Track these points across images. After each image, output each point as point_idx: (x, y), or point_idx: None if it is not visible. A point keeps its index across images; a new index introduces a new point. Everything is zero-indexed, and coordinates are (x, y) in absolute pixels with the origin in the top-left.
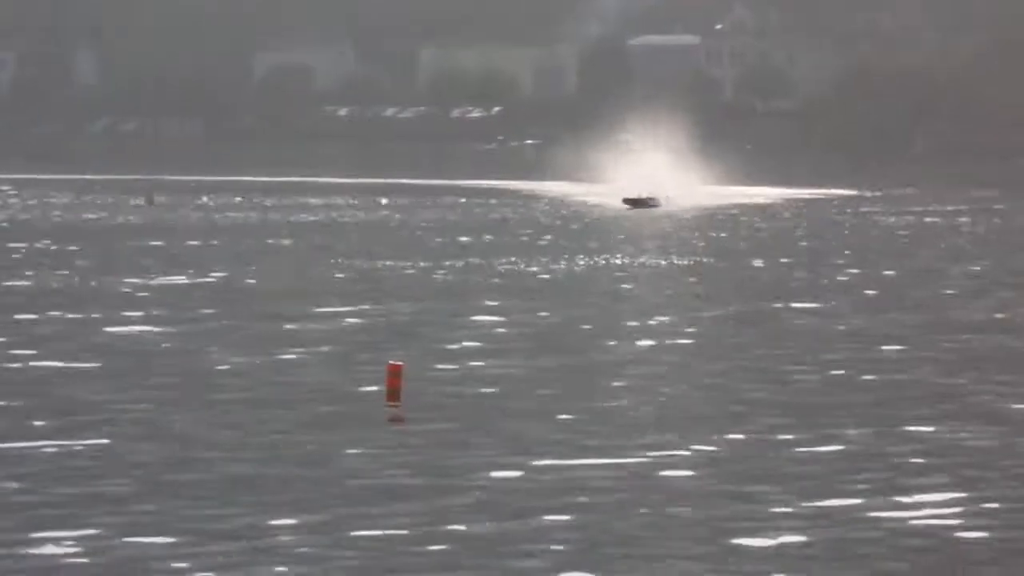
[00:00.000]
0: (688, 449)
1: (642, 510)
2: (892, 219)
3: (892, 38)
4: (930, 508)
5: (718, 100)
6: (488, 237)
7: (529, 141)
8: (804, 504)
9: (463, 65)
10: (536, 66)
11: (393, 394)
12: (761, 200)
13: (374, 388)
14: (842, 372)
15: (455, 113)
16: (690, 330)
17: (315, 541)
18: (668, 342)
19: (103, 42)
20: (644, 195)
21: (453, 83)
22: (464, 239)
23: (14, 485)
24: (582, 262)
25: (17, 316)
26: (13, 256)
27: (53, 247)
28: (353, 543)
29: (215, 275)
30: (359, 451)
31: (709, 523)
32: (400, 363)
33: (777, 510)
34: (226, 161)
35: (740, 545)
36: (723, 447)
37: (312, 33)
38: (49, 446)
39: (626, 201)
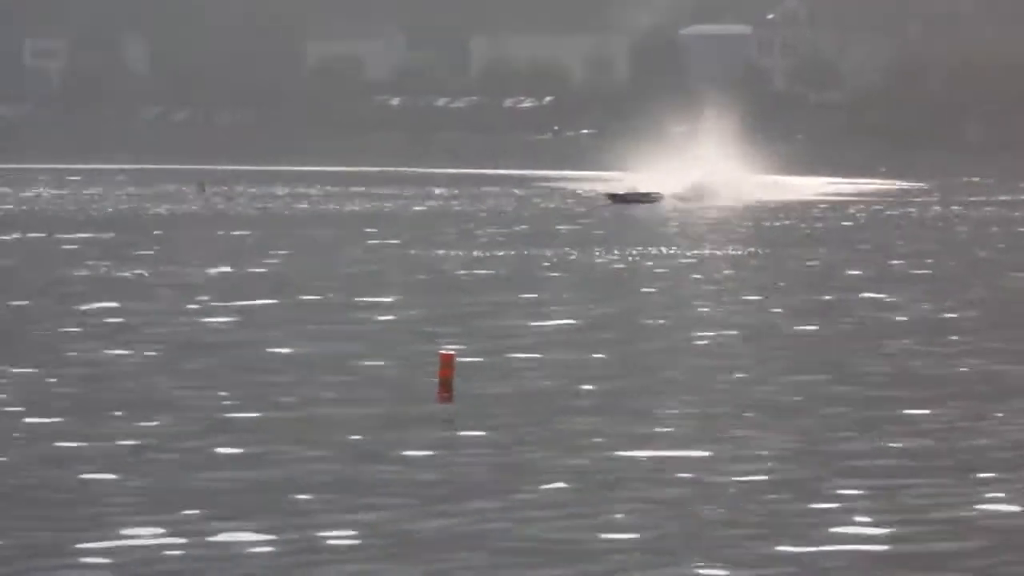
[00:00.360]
0: (755, 442)
1: (709, 506)
2: (948, 209)
3: (943, 26)
4: (1008, 504)
5: (769, 90)
6: (542, 227)
7: (585, 131)
8: (877, 499)
9: (514, 54)
10: (587, 56)
11: (445, 384)
12: (814, 191)
13: (431, 380)
14: (907, 364)
15: (507, 103)
16: (750, 321)
17: (379, 539)
18: (729, 333)
19: (154, 31)
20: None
21: (505, 73)
22: (518, 228)
23: (86, 477)
24: (637, 252)
25: (80, 307)
26: (72, 247)
27: (110, 237)
28: (418, 541)
29: (271, 265)
30: (418, 446)
31: (782, 517)
32: (452, 352)
33: (849, 504)
34: (278, 151)
35: (814, 539)
36: (791, 440)
37: (363, 22)
38: (116, 439)
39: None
